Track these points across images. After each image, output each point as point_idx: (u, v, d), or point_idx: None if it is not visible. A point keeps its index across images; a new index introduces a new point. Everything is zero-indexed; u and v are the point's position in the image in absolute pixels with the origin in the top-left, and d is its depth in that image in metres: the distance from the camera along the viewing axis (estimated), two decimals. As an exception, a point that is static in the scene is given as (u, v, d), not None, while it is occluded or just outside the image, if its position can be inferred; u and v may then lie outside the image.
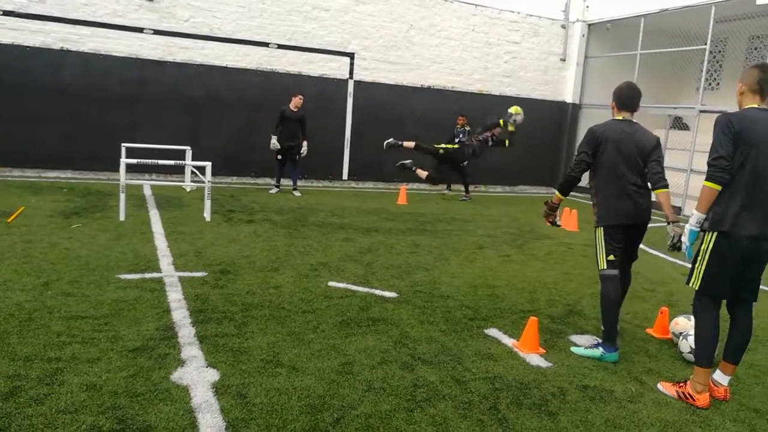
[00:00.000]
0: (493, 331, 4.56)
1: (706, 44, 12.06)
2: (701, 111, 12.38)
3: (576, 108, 15.48)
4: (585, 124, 15.23)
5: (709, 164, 3.46)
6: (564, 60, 15.28)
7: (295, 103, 10.64)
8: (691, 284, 3.64)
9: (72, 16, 10.66)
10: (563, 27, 15.15)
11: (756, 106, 3.51)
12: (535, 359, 4.08)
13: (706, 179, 3.45)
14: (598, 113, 14.91)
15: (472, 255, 7.24)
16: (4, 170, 10.80)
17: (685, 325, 4.57)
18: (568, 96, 15.45)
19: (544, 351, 4.22)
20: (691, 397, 3.57)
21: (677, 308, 5.45)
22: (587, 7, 15.10)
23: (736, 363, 3.69)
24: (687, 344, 4.25)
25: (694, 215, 3.55)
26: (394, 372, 3.70)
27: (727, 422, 3.41)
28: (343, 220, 8.90)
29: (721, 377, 3.69)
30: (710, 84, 14.96)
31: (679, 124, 15.17)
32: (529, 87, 15.00)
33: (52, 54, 10.83)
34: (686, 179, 12.57)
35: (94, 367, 3.43)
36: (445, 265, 6.59)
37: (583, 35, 15.21)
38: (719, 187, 3.43)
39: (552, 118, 15.37)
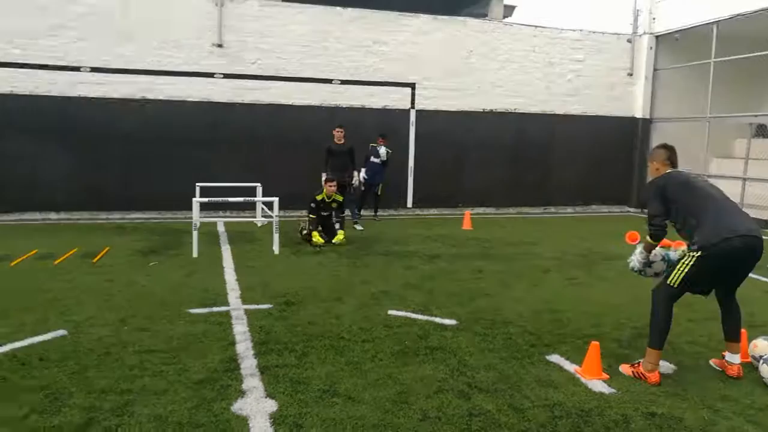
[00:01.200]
0: (554, 357, 4.45)
1: (785, 47, 11.39)
2: (784, 117, 11.66)
3: (647, 123, 14.93)
4: (657, 139, 14.67)
5: (648, 224, 4.19)
6: (631, 74, 14.82)
7: (338, 136, 10.67)
8: (670, 281, 4.06)
9: (151, 68, 11.44)
10: (629, 41, 14.75)
11: (670, 170, 4.30)
12: (598, 385, 3.94)
13: (651, 238, 4.19)
14: (670, 127, 14.36)
15: (538, 279, 7.09)
16: (92, 213, 11.62)
17: (765, 347, 4.29)
18: (638, 111, 14.93)
19: (608, 377, 4.07)
20: (644, 375, 4.04)
21: (758, 329, 5.10)
22: (654, 18, 14.65)
23: (739, 340, 4.24)
24: None
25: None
26: (450, 401, 3.67)
27: (811, 453, 3.16)
28: (407, 248, 8.94)
29: (731, 357, 4.19)
30: (795, 88, 14.06)
31: (764, 132, 14.33)
32: (596, 104, 14.64)
33: (134, 104, 11.64)
34: (773, 190, 11.81)
35: (162, 399, 3.61)
36: (508, 290, 6.49)
37: (651, 48, 14.73)
38: (657, 243, 4.20)
39: (622, 134, 14.89)
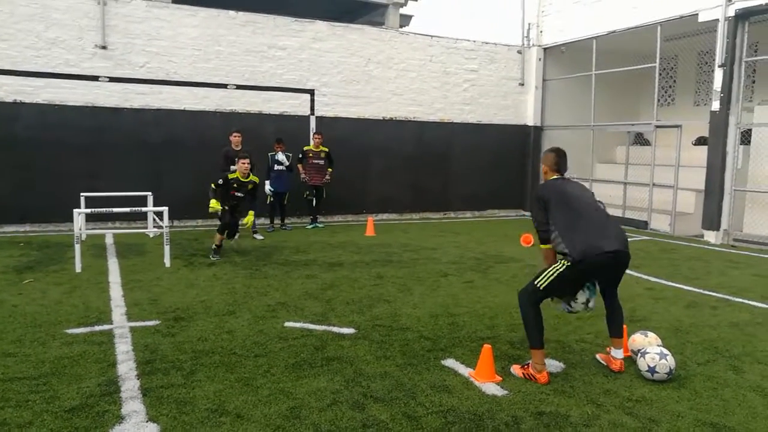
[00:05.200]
0: (450, 362, 4.48)
1: (655, 62, 12.35)
2: (657, 126, 12.63)
3: (538, 130, 15.68)
4: (548, 145, 15.46)
5: (537, 230, 4.38)
6: (522, 84, 15.52)
7: (235, 142, 10.37)
8: (537, 283, 4.19)
9: (24, 68, 10.55)
10: (519, 52, 15.44)
11: (556, 177, 4.48)
12: (491, 388, 4.00)
13: (541, 243, 4.36)
14: (559, 134, 15.18)
15: (436, 283, 7.18)
16: (-41, 228, 10.54)
17: (642, 341, 4.55)
18: (530, 119, 15.65)
19: (501, 379, 4.14)
20: (533, 377, 4.13)
21: (637, 324, 5.43)
22: (541, 32, 15.43)
23: (621, 336, 4.43)
24: (644, 362, 4.20)
25: None
26: (344, 413, 3.58)
27: (683, 440, 3.35)
28: (307, 257, 8.79)
29: (616, 352, 4.39)
30: (666, 100, 15.31)
31: (641, 140, 15.46)
32: (490, 113, 15.18)
33: (6, 107, 10.70)
34: (650, 193, 12.74)
35: (25, 432, 3.26)
36: (408, 296, 6.51)
37: (539, 59, 15.51)
38: (550, 246, 4.30)
39: (515, 141, 15.54)
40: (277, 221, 11.79)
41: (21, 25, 10.70)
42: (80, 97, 11.19)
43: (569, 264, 4.09)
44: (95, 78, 10.66)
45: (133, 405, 3.64)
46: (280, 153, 11.36)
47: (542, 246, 4.37)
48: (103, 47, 11.23)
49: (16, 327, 5.14)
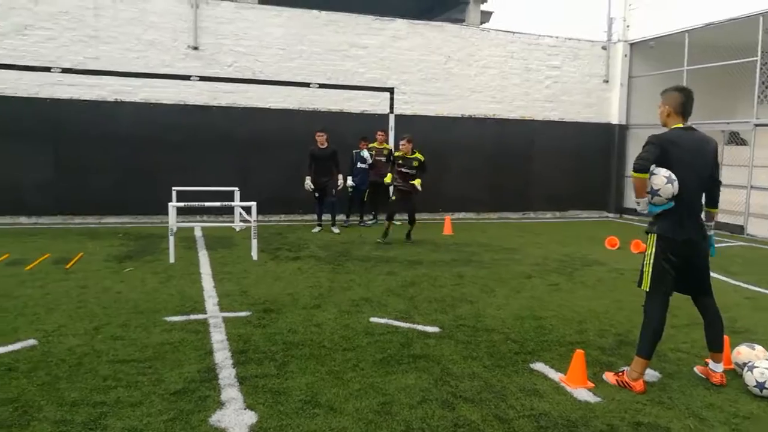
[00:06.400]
0: (539, 366, 4.40)
1: (756, 56, 11.61)
2: (756, 125, 11.87)
3: (623, 129, 15.11)
4: (633, 145, 14.92)
5: (635, 162, 3.87)
6: (607, 81, 15.01)
7: (320, 141, 10.64)
8: (642, 287, 4.03)
9: (125, 69, 11.20)
10: (604, 48, 14.92)
11: (680, 125, 3.97)
12: (583, 394, 3.90)
13: (634, 171, 3.85)
14: (646, 133, 14.51)
15: (519, 285, 7.07)
16: (66, 218, 11.34)
17: (748, 354, 4.29)
18: (614, 117, 15.11)
19: (593, 385, 4.03)
20: (629, 384, 3.96)
21: (740, 336, 5.14)
22: (628, 26, 14.85)
23: (722, 350, 4.13)
24: (752, 377, 3.96)
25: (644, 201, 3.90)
26: (434, 411, 3.59)
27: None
28: (387, 254, 8.87)
29: (715, 366, 4.13)
30: (767, 96, 14.34)
31: (736, 139, 14.58)
32: (573, 110, 14.77)
33: (108, 106, 11.40)
34: (747, 196, 12.01)
35: (137, 411, 3.47)
36: (491, 297, 6.45)
37: (626, 55, 14.93)
38: (646, 175, 3.81)
39: (599, 140, 15.05)
40: (354, 217, 11.97)
41: (122, 29, 11.38)
42: (173, 95, 11.77)
43: (657, 237, 3.93)
44: (187, 77, 11.17)
45: (231, 392, 3.80)
46: (365, 150, 11.55)
47: (636, 174, 3.82)
48: (195, 48, 11.76)
49: (121, 312, 5.48)
